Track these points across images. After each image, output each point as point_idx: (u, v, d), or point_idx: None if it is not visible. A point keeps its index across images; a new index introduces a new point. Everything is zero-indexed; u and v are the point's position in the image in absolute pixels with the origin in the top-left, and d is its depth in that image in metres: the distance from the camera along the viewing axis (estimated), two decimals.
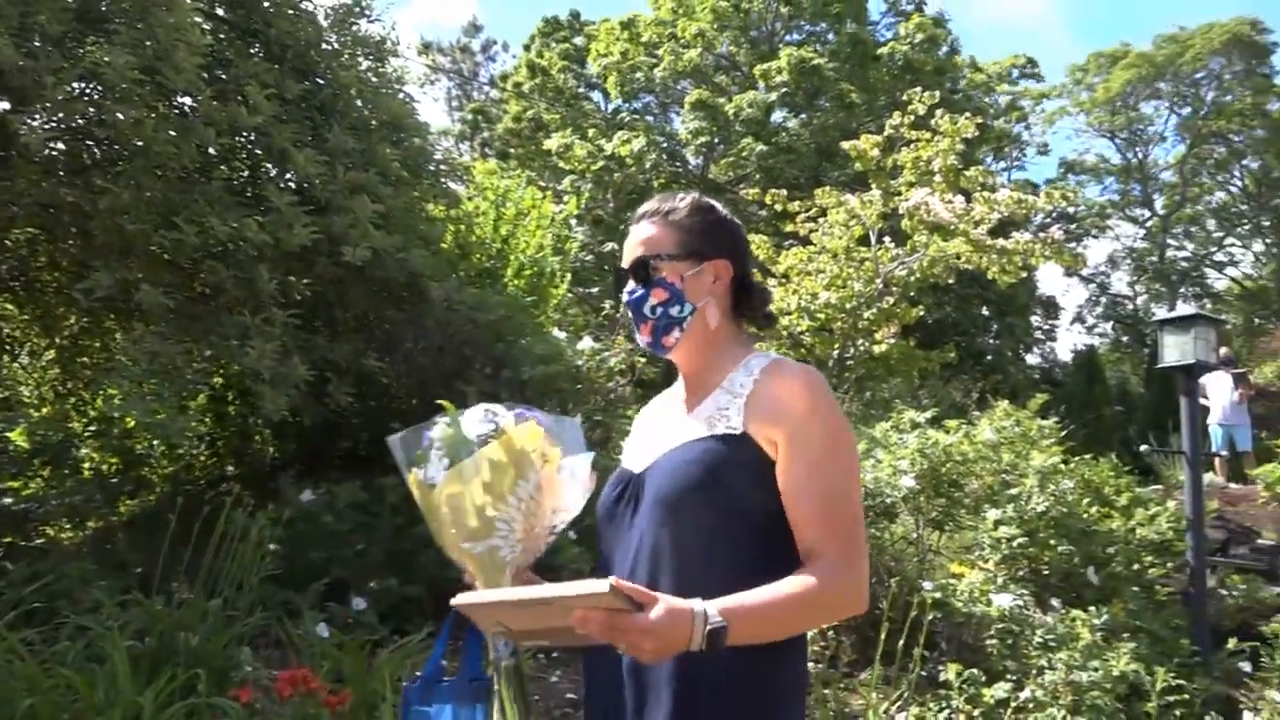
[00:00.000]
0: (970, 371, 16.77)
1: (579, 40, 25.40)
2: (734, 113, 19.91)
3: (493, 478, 1.57)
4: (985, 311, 22.94)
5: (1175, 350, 5.89)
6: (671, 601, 1.33)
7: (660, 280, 1.68)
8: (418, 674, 1.69)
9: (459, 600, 1.47)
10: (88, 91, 5.16)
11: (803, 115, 20.77)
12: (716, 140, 19.85)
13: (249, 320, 5.03)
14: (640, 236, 1.74)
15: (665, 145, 21.79)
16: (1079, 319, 36.89)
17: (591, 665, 1.69)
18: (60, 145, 5.59)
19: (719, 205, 1.80)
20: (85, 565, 4.64)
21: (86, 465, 6.57)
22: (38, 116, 4.91)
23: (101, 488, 6.06)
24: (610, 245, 20.19)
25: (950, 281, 8.96)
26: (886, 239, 9.17)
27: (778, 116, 21.12)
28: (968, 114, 8.93)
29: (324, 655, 4.13)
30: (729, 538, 1.53)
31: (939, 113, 8.81)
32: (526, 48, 25.98)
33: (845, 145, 9.62)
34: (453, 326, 6.53)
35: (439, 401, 1.71)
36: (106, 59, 4.52)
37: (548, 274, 8.35)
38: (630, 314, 1.73)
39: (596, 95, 25.73)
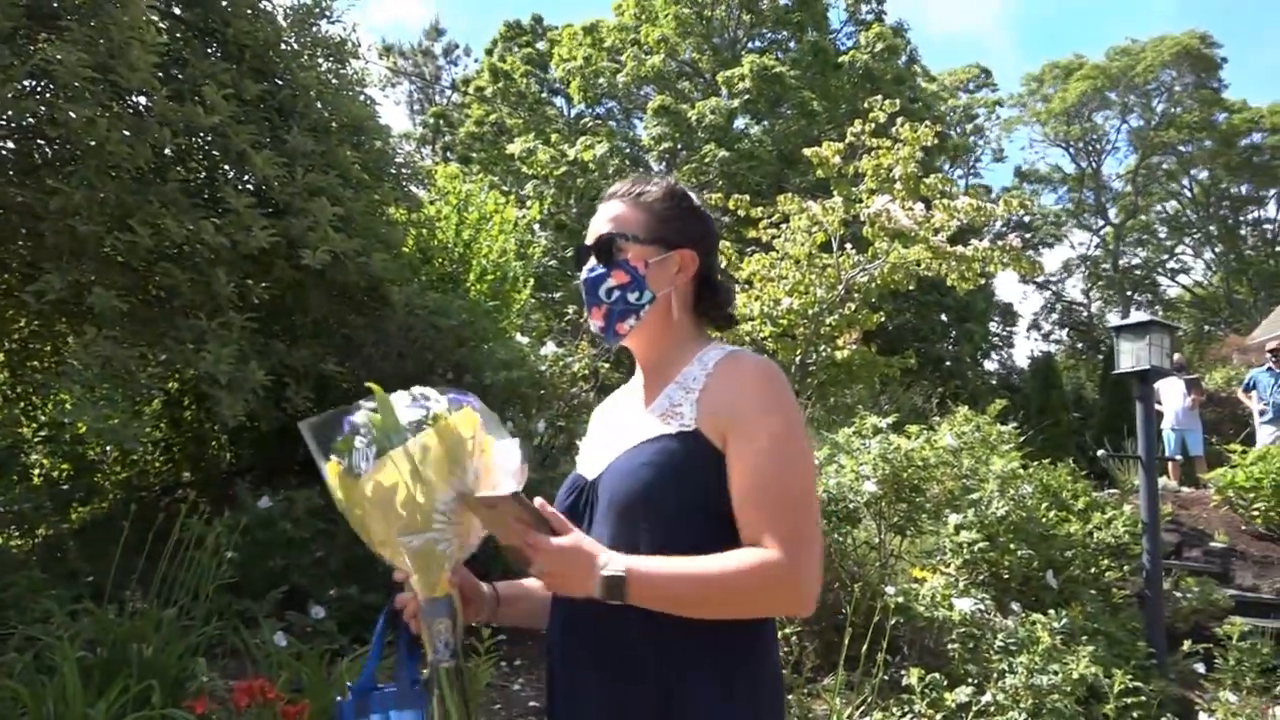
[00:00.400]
0: (929, 378, 16.94)
1: (541, 45, 25.39)
2: (697, 119, 20.00)
3: (428, 467, 1.49)
4: (944, 318, 23.23)
5: (1131, 356, 5.98)
6: (583, 540, 1.42)
7: (622, 262, 1.62)
8: (350, 686, 1.59)
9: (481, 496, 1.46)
10: (38, 90, 5.05)
11: (765, 122, 20.91)
12: (679, 146, 19.92)
13: (205, 324, 4.94)
14: (608, 214, 1.67)
15: (628, 151, 21.82)
16: (1035, 325, 37.55)
17: (553, 680, 1.63)
18: (9, 144, 5.45)
19: (693, 194, 1.74)
20: (34, 574, 4.52)
21: (36, 471, 6.41)
22: None
23: (53, 495, 5.90)
24: (573, 250, 20.17)
25: (911, 288, 9.04)
26: (848, 245, 9.24)
27: (740, 123, 21.24)
28: (927, 122, 9.01)
29: (282, 665, 4.06)
30: (689, 537, 1.46)
31: (899, 121, 8.89)
32: (489, 52, 25.92)
33: (807, 152, 9.67)
34: (414, 331, 6.47)
35: (368, 384, 1.61)
36: (58, 56, 4.41)
37: (511, 279, 8.30)
38: (584, 293, 1.66)
39: (559, 100, 25.72)
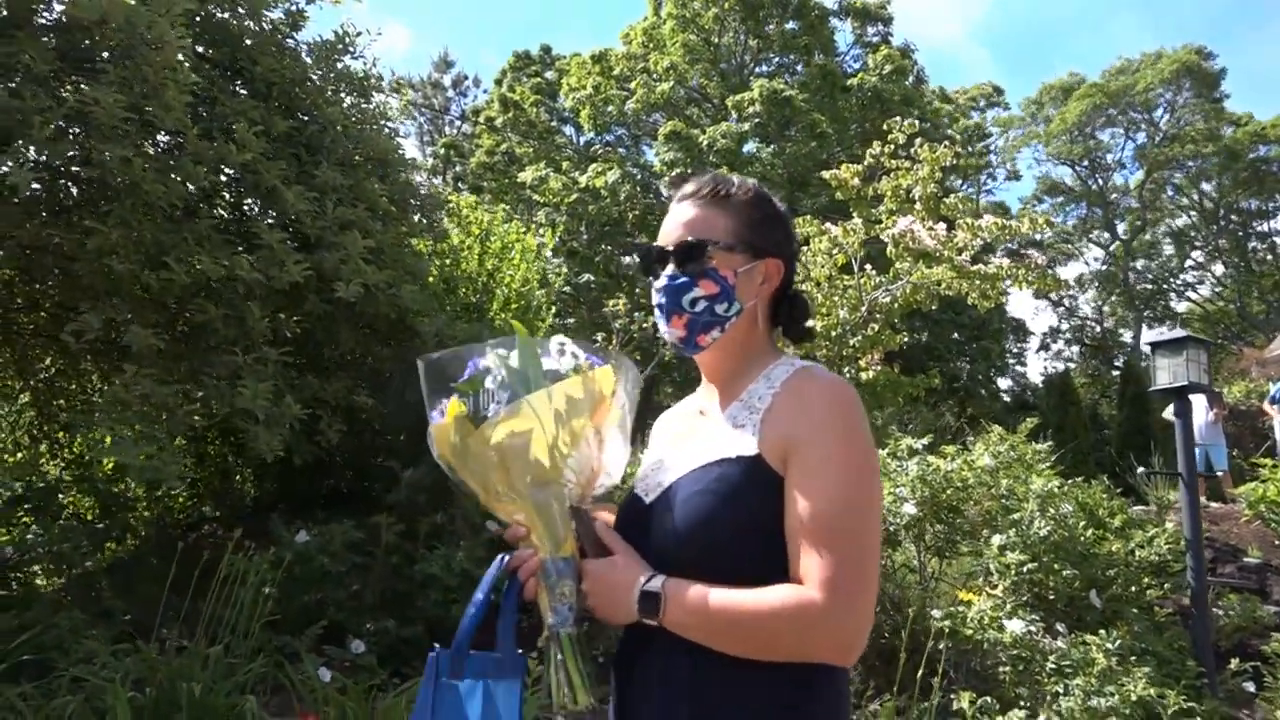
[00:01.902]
0: (948, 397, 16.86)
1: (550, 74, 25.58)
2: (708, 144, 20.07)
3: (571, 416, 1.42)
4: (956, 336, 23.17)
5: (1167, 372, 5.92)
6: (629, 558, 1.42)
7: (711, 271, 1.51)
8: (434, 650, 1.44)
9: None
10: (72, 131, 5.08)
11: (774, 145, 20.98)
12: (690, 171, 19.97)
13: (240, 359, 4.94)
14: (688, 216, 1.55)
15: (639, 177, 21.91)
16: (1044, 346, 37.44)
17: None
18: (35, 185, 5.49)
19: (774, 197, 1.64)
20: (75, 614, 4.50)
21: (68, 510, 6.41)
22: (20, 156, 4.80)
23: (91, 534, 5.89)
24: (586, 276, 20.18)
25: (933, 307, 9.02)
26: (868, 266, 9.23)
27: (750, 147, 21.31)
28: (946, 142, 9.03)
29: (327, 700, 4.03)
30: (745, 565, 1.36)
31: (918, 142, 8.91)
32: (498, 82, 26.13)
33: (826, 175, 9.67)
34: None
35: (514, 321, 1.58)
36: (95, 98, 4.44)
37: (535, 308, 8.31)
38: (662, 300, 1.54)
39: (568, 128, 25.87)
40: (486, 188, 22.27)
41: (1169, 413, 10.28)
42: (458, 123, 32.49)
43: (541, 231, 13.54)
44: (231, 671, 3.92)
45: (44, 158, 5.01)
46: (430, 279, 7.24)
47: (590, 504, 1.52)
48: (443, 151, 26.02)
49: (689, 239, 1.53)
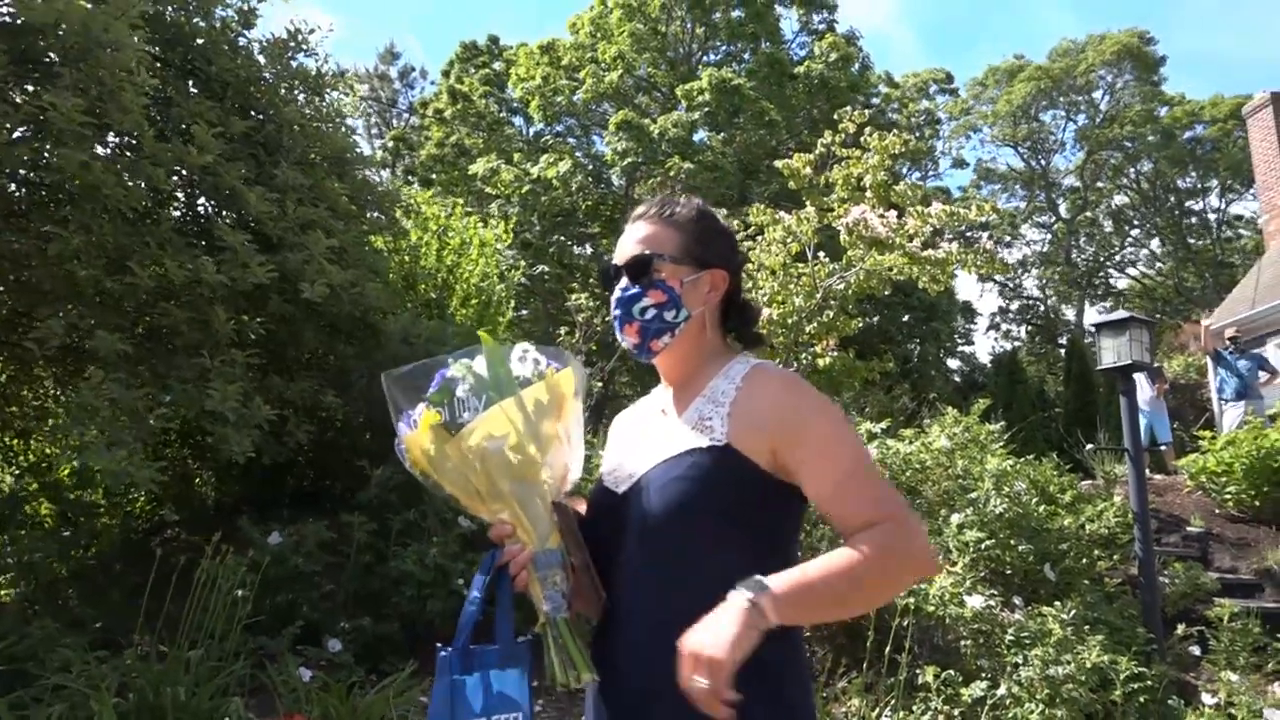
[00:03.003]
0: (901, 379, 17.14)
1: (498, 65, 25.42)
2: (659, 133, 20.13)
3: (542, 419, 1.52)
4: (907, 319, 23.52)
5: (1112, 352, 6.13)
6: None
7: (659, 282, 1.65)
8: (441, 649, 1.50)
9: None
10: (25, 135, 5.01)
11: (724, 134, 21.10)
12: (641, 160, 20.03)
13: (208, 362, 4.94)
14: (640, 234, 1.70)
15: (590, 167, 21.90)
16: (994, 326, 38.13)
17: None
18: None
19: (718, 214, 1.79)
20: (46, 623, 4.48)
21: (30, 519, 6.33)
22: None
23: (60, 542, 5.82)
24: (540, 268, 20.16)
25: (886, 293, 9.20)
26: (821, 254, 9.39)
27: (700, 136, 21.42)
28: (895, 131, 9.20)
29: (309, 699, 4.07)
30: (722, 549, 1.47)
31: (868, 130, 9.07)
32: (445, 73, 25.90)
33: (779, 164, 9.80)
34: (410, 360, 6.48)
35: (479, 331, 1.67)
36: (52, 102, 4.40)
37: (495, 303, 8.34)
38: (617, 312, 1.68)
39: (518, 119, 25.76)
40: (437, 180, 22.08)
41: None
42: (405, 115, 32.18)
43: (495, 224, 13.54)
44: (212, 675, 3.94)
45: None
46: (390, 276, 7.25)
47: (564, 497, 1.60)
48: (391, 144, 25.74)
49: (638, 253, 1.67)
